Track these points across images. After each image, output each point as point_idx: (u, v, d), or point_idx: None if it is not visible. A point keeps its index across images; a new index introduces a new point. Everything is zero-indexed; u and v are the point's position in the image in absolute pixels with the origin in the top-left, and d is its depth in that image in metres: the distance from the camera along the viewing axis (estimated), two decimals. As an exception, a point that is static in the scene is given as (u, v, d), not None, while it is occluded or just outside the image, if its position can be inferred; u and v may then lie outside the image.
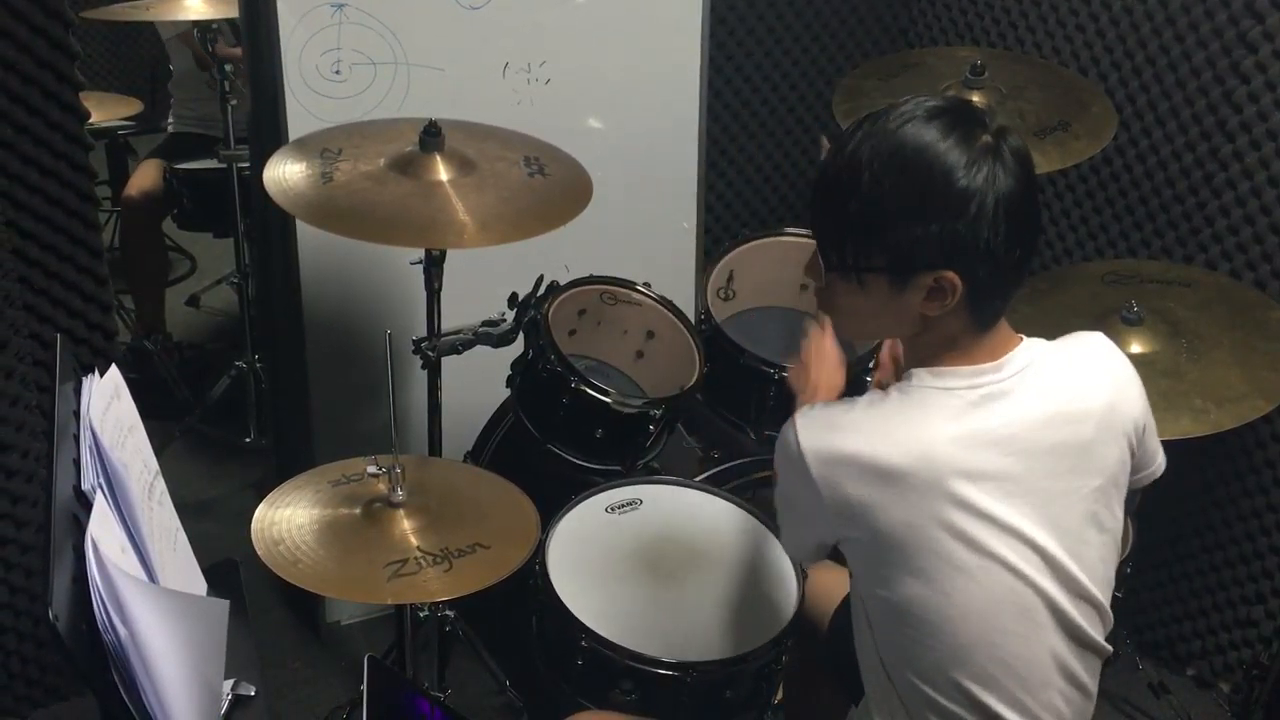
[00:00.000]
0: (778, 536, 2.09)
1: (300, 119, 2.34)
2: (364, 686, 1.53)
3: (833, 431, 1.39)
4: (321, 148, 2.08)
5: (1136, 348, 2.19)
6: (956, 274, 1.32)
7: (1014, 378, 1.40)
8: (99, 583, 1.13)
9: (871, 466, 1.36)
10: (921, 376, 1.41)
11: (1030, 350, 1.43)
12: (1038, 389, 1.41)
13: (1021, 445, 1.38)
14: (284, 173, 2.00)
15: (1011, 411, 1.39)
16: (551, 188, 2.09)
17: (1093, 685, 1.51)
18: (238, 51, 3.07)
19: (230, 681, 1.41)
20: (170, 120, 3.76)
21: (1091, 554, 1.44)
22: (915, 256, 1.33)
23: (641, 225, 2.79)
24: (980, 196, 1.30)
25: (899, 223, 1.32)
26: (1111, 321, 2.22)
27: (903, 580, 1.39)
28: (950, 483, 1.35)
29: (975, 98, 2.38)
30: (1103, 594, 1.47)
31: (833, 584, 1.90)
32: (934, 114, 1.33)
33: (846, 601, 1.68)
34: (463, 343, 2.22)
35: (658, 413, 2.24)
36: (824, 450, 1.38)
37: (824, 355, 1.79)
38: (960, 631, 1.40)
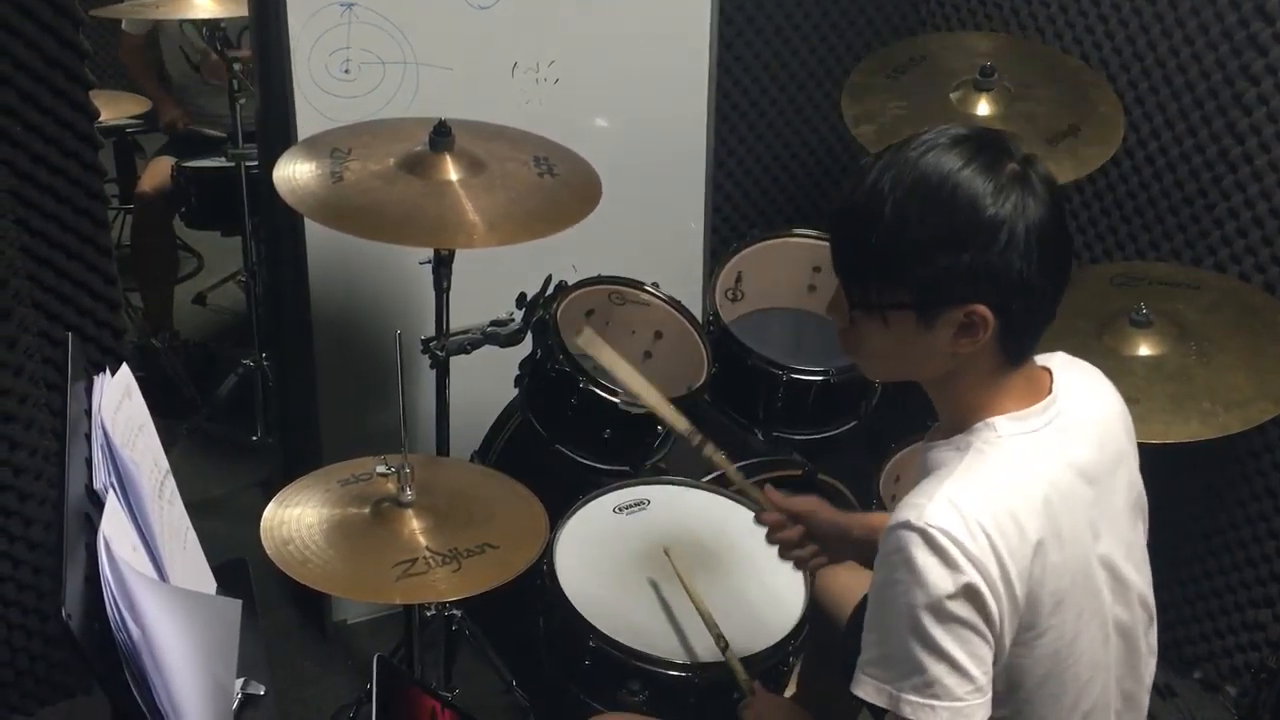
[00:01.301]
0: None
1: (309, 118, 2.34)
2: (371, 685, 1.53)
3: (969, 496, 1.27)
4: (331, 147, 2.08)
5: (1145, 350, 2.18)
6: (988, 308, 1.26)
7: (1069, 407, 1.37)
8: (111, 582, 1.14)
9: (1027, 504, 1.28)
10: (1005, 425, 1.33)
11: (1057, 375, 1.41)
12: (1081, 412, 1.38)
13: (1095, 471, 1.36)
14: (294, 172, 2.00)
15: (1082, 440, 1.36)
16: (561, 188, 2.09)
17: (1145, 700, 1.51)
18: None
19: (240, 680, 1.41)
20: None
21: (1142, 562, 1.45)
22: (943, 290, 1.26)
23: (649, 225, 2.79)
24: (1010, 225, 1.24)
25: (925, 255, 1.25)
26: (1120, 324, 2.21)
27: (1042, 639, 1.32)
28: (1086, 508, 1.34)
29: (984, 99, 2.39)
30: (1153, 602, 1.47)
31: (849, 581, 1.89)
32: (957, 141, 1.27)
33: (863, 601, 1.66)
34: (471, 342, 2.22)
35: (665, 413, 2.24)
36: (982, 512, 1.25)
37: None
38: (1070, 678, 1.37)
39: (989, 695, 1.29)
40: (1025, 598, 1.28)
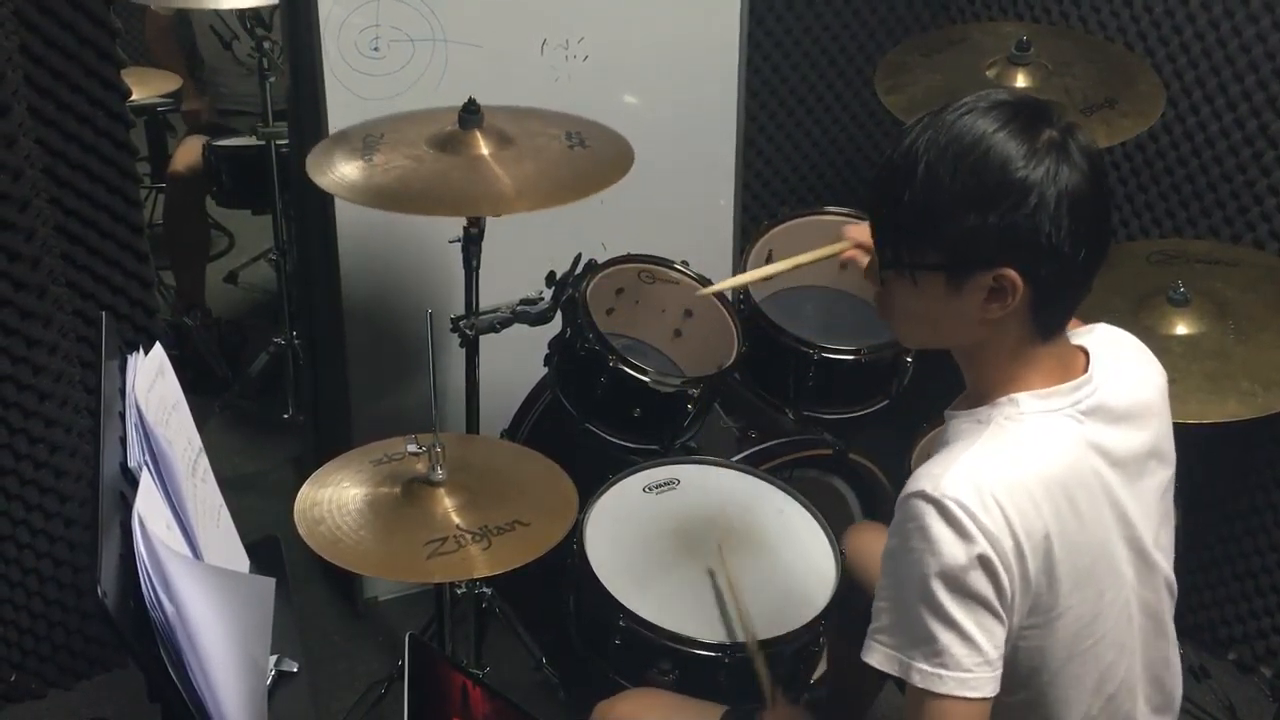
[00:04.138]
0: (819, 522, 2.08)
1: (339, 96, 2.34)
2: (403, 663, 1.54)
3: (986, 469, 1.27)
4: (364, 134, 2.08)
5: (1183, 329, 2.15)
6: (1017, 272, 1.25)
7: (1105, 389, 1.36)
8: (146, 560, 1.14)
9: (1042, 481, 1.28)
10: (1028, 402, 1.32)
11: (1093, 353, 1.40)
12: (1118, 395, 1.37)
13: (1125, 455, 1.36)
14: (327, 159, 2.01)
15: (1114, 423, 1.35)
16: (592, 157, 2.08)
17: (1176, 685, 1.50)
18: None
19: (273, 657, 1.42)
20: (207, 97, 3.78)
21: (1169, 546, 1.44)
22: (971, 251, 1.26)
23: (679, 203, 2.77)
24: (1040, 189, 1.23)
25: (953, 214, 1.25)
26: (1157, 301, 2.19)
27: (1062, 619, 1.32)
28: (1109, 490, 1.34)
29: (1021, 74, 2.36)
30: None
31: (878, 546, 1.88)
32: (996, 105, 1.27)
33: None
34: (501, 321, 2.22)
35: (695, 392, 2.24)
36: (997, 486, 1.26)
37: None
38: (1092, 659, 1.36)
39: (998, 671, 1.29)
40: (1038, 574, 1.28)
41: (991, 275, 1.26)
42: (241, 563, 1.55)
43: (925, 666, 1.27)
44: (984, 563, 1.25)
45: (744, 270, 2.54)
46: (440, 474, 1.81)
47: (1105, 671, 1.38)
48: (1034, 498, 1.27)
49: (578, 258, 2.32)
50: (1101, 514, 1.34)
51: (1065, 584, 1.30)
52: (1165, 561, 1.43)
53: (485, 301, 2.17)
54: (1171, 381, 1.99)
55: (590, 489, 2.06)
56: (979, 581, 1.25)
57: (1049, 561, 1.28)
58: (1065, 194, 1.24)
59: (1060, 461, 1.31)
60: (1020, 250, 1.25)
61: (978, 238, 1.25)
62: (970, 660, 1.26)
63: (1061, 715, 1.38)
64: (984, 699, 1.28)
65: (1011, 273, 1.26)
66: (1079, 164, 1.26)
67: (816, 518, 2.10)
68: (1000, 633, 1.28)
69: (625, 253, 2.42)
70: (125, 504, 1.21)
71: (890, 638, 1.31)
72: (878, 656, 1.32)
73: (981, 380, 1.37)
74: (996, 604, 1.27)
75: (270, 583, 1.30)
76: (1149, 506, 1.40)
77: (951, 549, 1.24)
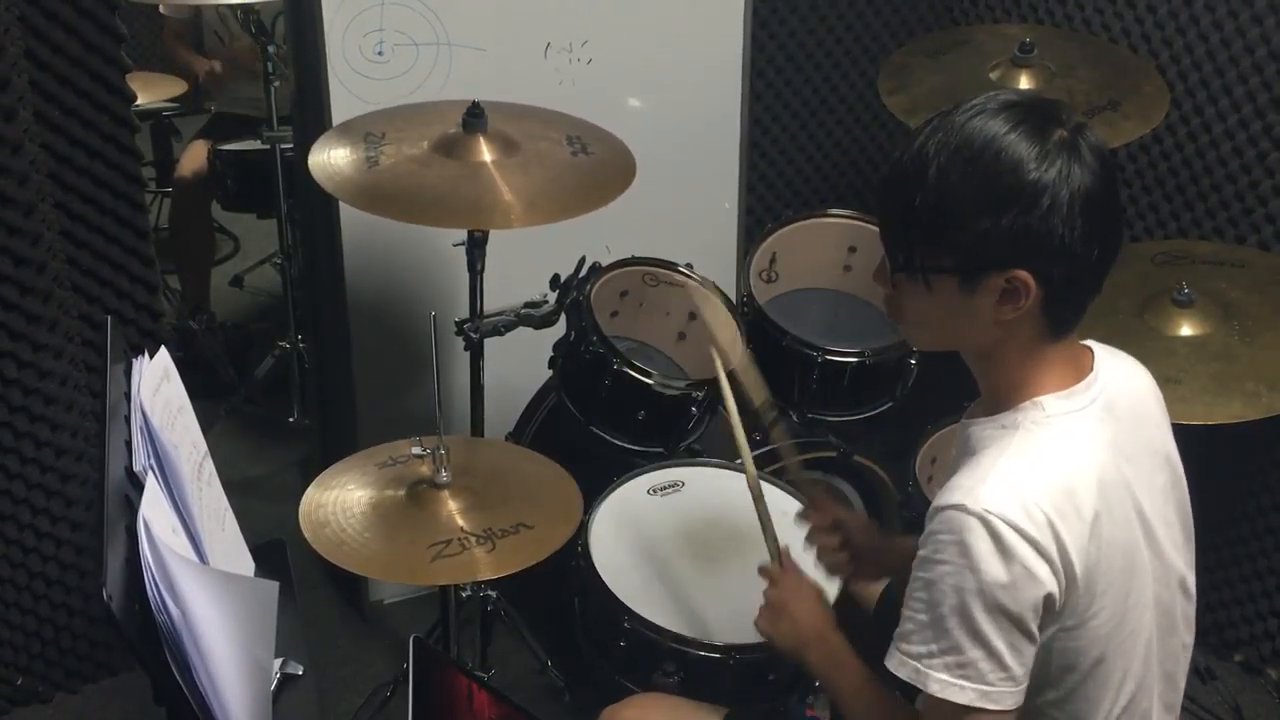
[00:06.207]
0: None
1: (343, 100, 2.35)
2: (408, 665, 1.54)
3: (1025, 478, 1.26)
4: (364, 132, 2.08)
5: (1188, 330, 2.15)
6: (1029, 274, 1.24)
7: (1109, 386, 1.36)
8: (151, 563, 1.15)
9: (1083, 484, 1.28)
10: (1053, 404, 1.32)
11: (1095, 349, 1.40)
12: (1120, 391, 1.37)
13: (1134, 450, 1.36)
14: (329, 159, 2.01)
15: (1122, 419, 1.35)
16: (595, 166, 2.09)
17: (1183, 682, 1.49)
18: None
19: (279, 660, 1.43)
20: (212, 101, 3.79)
21: (1184, 545, 1.44)
22: (984, 254, 1.25)
23: (683, 206, 2.78)
24: (1053, 190, 1.22)
25: (967, 218, 1.24)
26: (1162, 303, 2.18)
27: (1096, 619, 1.31)
28: (1130, 488, 1.33)
29: (1024, 76, 2.36)
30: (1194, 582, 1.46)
31: None
32: (1005, 106, 1.26)
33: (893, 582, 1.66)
34: (505, 324, 2.22)
35: (700, 395, 2.24)
36: (1040, 495, 1.25)
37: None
38: (1120, 657, 1.36)
39: (1022, 686, 1.28)
40: (1084, 576, 1.27)
41: (1004, 277, 1.26)
42: (247, 566, 1.55)
43: (945, 677, 1.26)
44: (1027, 580, 1.24)
45: (747, 272, 2.55)
46: (445, 477, 1.81)
47: (1129, 670, 1.38)
48: (1074, 500, 1.27)
49: (582, 260, 2.32)
50: (1128, 513, 1.34)
51: (1101, 585, 1.30)
52: (1177, 557, 1.42)
53: (489, 304, 2.18)
54: (1177, 383, 2.02)
55: (595, 491, 2.07)
56: (1018, 601, 1.24)
57: (1090, 563, 1.28)
58: (1078, 194, 1.23)
59: (1093, 462, 1.30)
60: (1033, 252, 1.24)
61: (990, 240, 1.24)
62: (995, 675, 1.26)
63: (1087, 714, 1.37)
64: (1004, 711, 1.28)
65: (1024, 274, 1.25)
66: (1090, 163, 1.25)
67: (821, 520, 2.09)
68: (1030, 652, 1.28)
69: (629, 255, 2.42)
70: (131, 508, 1.22)
71: (912, 645, 1.30)
72: (894, 661, 1.32)
73: (998, 384, 1.36)
74: (1031, 625, 1.26)
75: (274, 585, 1.30)
76: (1159, 501, 1.39)
77: (992, 566, 1.23)
